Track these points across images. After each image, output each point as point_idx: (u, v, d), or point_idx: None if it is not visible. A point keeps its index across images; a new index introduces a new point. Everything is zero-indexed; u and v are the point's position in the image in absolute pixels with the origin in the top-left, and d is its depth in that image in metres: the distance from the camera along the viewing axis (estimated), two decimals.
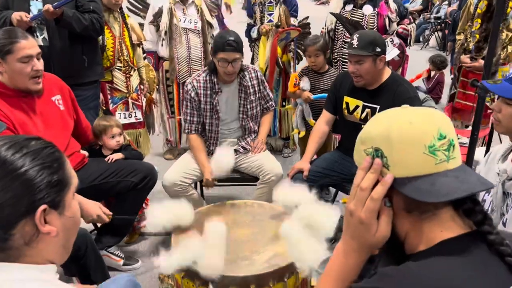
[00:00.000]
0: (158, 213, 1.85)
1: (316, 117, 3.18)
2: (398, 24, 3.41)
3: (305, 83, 3.16)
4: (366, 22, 3.31)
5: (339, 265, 0.90)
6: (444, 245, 0.79)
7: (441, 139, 0.80)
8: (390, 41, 3.21)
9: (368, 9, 3.32)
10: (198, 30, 3.62)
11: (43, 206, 0.83)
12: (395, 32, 3.37)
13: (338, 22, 3.39)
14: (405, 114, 0.84)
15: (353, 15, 3.34)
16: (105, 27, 3.07)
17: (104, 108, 3.27)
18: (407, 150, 0.79)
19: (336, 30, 3.42)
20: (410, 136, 0.80)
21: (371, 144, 0.84)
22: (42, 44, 2.60)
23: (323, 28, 3.60)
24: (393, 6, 3.37)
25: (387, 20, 3.34)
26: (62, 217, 0.88)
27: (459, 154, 0.83)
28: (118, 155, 2.44)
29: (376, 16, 3.32)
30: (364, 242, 0.86)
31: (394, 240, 0.86)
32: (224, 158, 2.41)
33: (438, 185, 0.78)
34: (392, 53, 3.18)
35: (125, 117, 3.37)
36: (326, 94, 3.09)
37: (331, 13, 3.42)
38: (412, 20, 3.56)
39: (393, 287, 0.75)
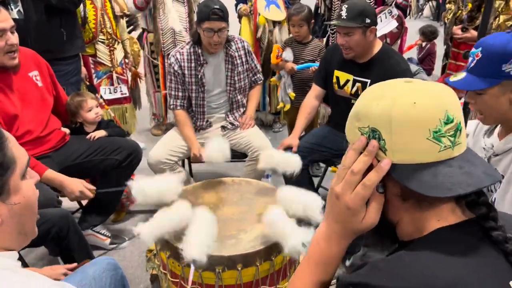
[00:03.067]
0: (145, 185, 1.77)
1: (299, 89, 3.12)
2: None
3: (287, 54, 3.08)
4: None
5: (321, 249, 0.84)
6: (440, 233, 0.73)
7: (448, 123, 0.71)
8: (389, 13, 3.10)
9: None
10: None
11: None
12: (393, 3, 3.25)
13: None
14: (408, 92, 0.73)
15: None
16: None
17: (88, 83, 3.17)
18: (408, 134, 0.71)
19: None
20: (413, 118, 0.70)
21: (367, 122, 0.74)
22: (17, 17, 2.47)
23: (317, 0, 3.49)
24: None
25: None
26: (7, 204, 0.81)
27: (465, 139, 0.75)
28: (101, 133, 2.38)
29: None
30: (349, 227, 0.79)
31: (384, 223, 0.79)
32: (220, 147, 2.15)
33: (441, 177, 0.70)
34: (390, 25, 3.08)
35: (110, 92, 3.28)
36: (310, 64, 3.02)
37: None
38: None
39: (385, 281, 0.69)
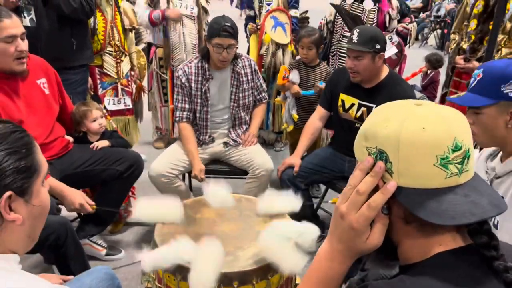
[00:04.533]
0: (146, 208, 1.76)
1: (303, 111, 3.14)
2: (399, 22, 3.35)
3: (294, 76, 3.09)
4: (366, 17, 3.25)
5: (323, 268, 0.83)
6: (441, 258, 0.73)
7: (456, 150, 0.71)
8: (389, 39, 3.16)
9: (369, 4, 3.25)
10: (193, 16, 3.55)
11: (8, 193, 0.81)
12: (394, 30, 3.31)
13: (337, 14, 3.33)
14: (418, 116, 0.73)
15: (353, 9, 3.27)
16: (97, 10, 3.00)
17: (93, 93, 3.19)
18: (416, 160, 0.71)
19: (335, 23, 3.36)
20: (421, 144, 0.70)
21: (375, 143, 0.75)
22: (29, 25, 2.50)
23: (322, 19, 3.54)
24: (395, 3, 3.30)
25: (387, 16, 3.27)
26: (28, 205, 0.85)
27: (472, 165, 0.75)
28: (104, 143, 2.38)
29: (376, 11, 3.25)
30: (352, 247, 0.79)
31: (386, 243, 0.79)
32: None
33: (445, 205, 0.70)
34: (389, 51, 3.13)
35: (114, 103, 3.30)
36: (313, 91, 3.05)
37: (331, 4, 3.35)
38: (413, 19, 3.49)
39: None
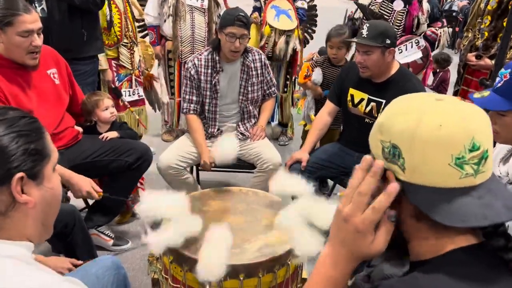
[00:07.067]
0: (152, 202, 1.76)
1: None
2: (428, 26, 3.26)
3: (317, 76, 3.00)
4: (393, 18, 3.20)
5: (326, 273, 0.81)
6: (455, 256, 0.71)
7: (473, 150, 0.68)
8: (416, 42, 3.08)
9: (399, 5, 3.17)
10: (204, 9, 3.54)
11: (19, 174, 0.81)
12: (423, 34, 3.24)
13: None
14: (436, 112, 0.70)
15: (382, 8, 3.22)
16: (111, 2, 3.01)
17: (113, 86, 3.19)
18: (429, 157, 0.68)
19: (363, 22, 3.31)
20: (436, 142, 0.67)
21: (389, 137, 0.73)
22: (40, 15, 2.51)
23: (351, 12, 3.48)
24: (425, 6, 3.21)
25: (416, 20, 3.20)
26: (40, 189, 0.86)
27: (490, 166, 0.71)
28: (113, 134, 2.40)
29: (405, 13, 3.19)
30: (356, 250, 0.77)
31: (398, 239, 0.78)
32: (229, 146, 2.33)
33: (456, 206, 0.67)
34: (415, 55, 3.06)
35: (129, 95, 3.32)
36: None
37: (356, 3, 3.30)
38: (445, 24, 3.38)
39: None
